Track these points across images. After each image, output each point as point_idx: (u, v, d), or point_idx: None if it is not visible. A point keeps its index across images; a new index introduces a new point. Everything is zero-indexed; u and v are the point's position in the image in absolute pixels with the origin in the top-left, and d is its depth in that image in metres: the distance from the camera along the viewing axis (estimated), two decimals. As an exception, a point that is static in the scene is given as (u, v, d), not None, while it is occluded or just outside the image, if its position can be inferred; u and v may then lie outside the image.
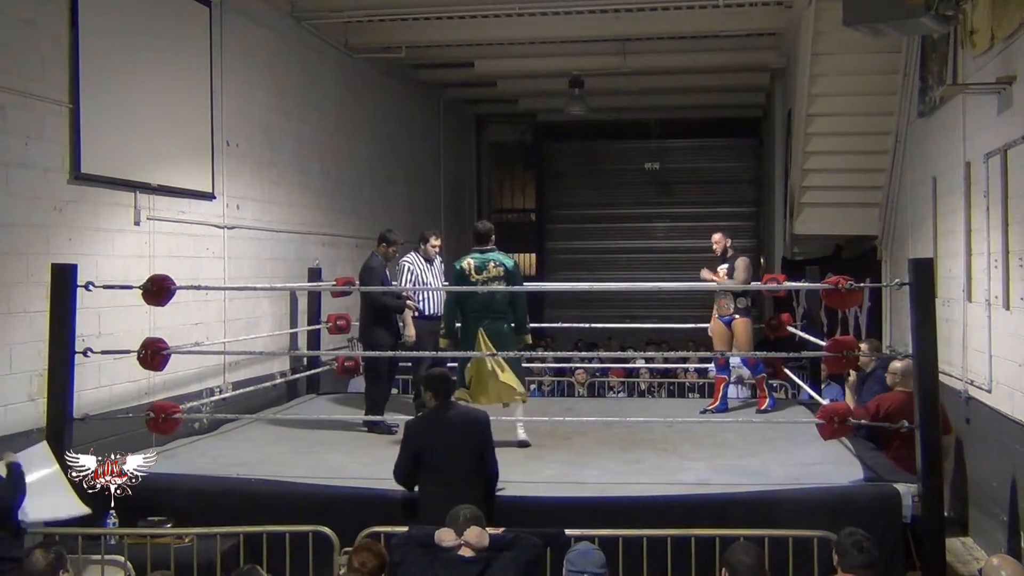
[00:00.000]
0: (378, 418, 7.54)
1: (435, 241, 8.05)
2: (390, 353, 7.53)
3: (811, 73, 9.66)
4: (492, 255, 7.05)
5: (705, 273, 8.35)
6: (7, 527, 4.83)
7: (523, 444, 6.99)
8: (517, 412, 7.09)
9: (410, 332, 7.93)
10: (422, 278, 8.07)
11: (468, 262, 7.05)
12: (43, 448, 5.53)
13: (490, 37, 11.98)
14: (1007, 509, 6.00)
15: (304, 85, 10.59)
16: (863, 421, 6.09)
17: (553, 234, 19.52)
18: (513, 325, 7.07)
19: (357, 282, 8.27)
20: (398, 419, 7.18)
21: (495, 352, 6.82)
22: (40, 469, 5.28)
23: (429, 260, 8.13)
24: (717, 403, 8.37)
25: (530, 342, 7.40)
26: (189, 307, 8.01)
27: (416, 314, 7.94)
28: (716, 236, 8.36)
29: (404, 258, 8.21)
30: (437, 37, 11.94)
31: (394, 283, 8.15)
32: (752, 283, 8.22)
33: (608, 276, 17.30)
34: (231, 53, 8.79)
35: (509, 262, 7.07)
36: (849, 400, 6.65)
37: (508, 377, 6.88)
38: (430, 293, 7.97)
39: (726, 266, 8.14)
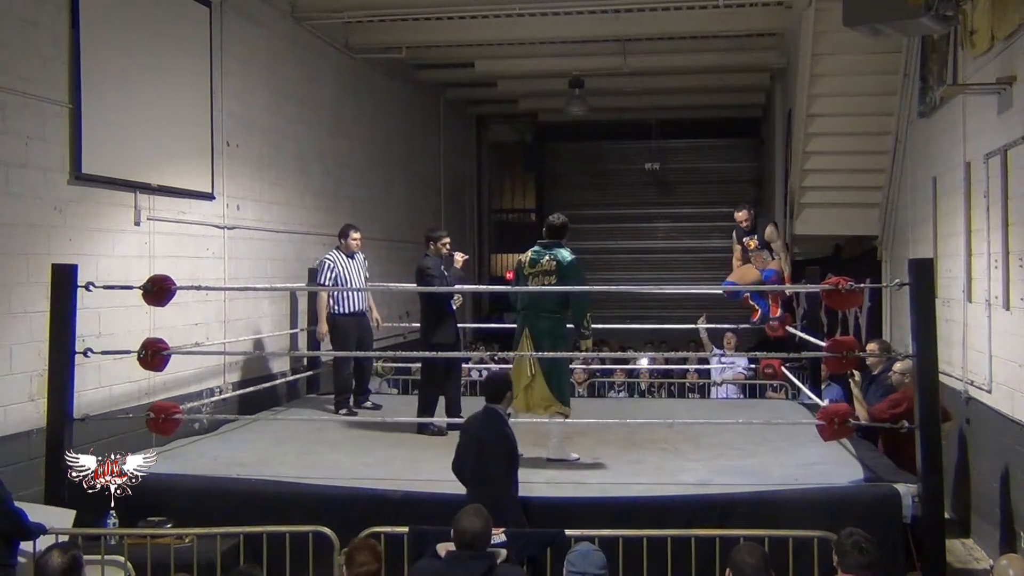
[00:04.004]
0: (427, 420, 7.51)
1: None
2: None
3: (811, 73, 9.65)
4: (554, 249, 6.67)
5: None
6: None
7: (554, 460, 6.48)
8: (553, 428, 6.63)
9: (322, 328, 8.13)
10: (343, 275, 8.29)
11: (526, 255, 6.79)
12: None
13: (490, 37, 11.97)
14: (1007, 509, 5.99)
15: (304, 85, 10.58)
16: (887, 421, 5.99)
17: (553, 234, 19.48)
18: (570, 327, 6.61)
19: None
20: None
21: (527, 353, 6.43)
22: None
23: (351, 255, 8.40)
24: (758, 317, 8.68)
25: (590, 347, 6.85)
26: (189, 307, 8.00)
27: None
28: (742, 213, 8.44)
29: (325, 255, 8.55)
30: (437, 37, 11.93)
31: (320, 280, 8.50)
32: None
33: (608, 276, 17.26)
34: (231, 53, 8.78)
35: (566, 257, 6.63)
36: (858, 401, 6.60)
37: (539, 384, 6.44)
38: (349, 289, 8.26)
39: (756, 237, 8.28)
